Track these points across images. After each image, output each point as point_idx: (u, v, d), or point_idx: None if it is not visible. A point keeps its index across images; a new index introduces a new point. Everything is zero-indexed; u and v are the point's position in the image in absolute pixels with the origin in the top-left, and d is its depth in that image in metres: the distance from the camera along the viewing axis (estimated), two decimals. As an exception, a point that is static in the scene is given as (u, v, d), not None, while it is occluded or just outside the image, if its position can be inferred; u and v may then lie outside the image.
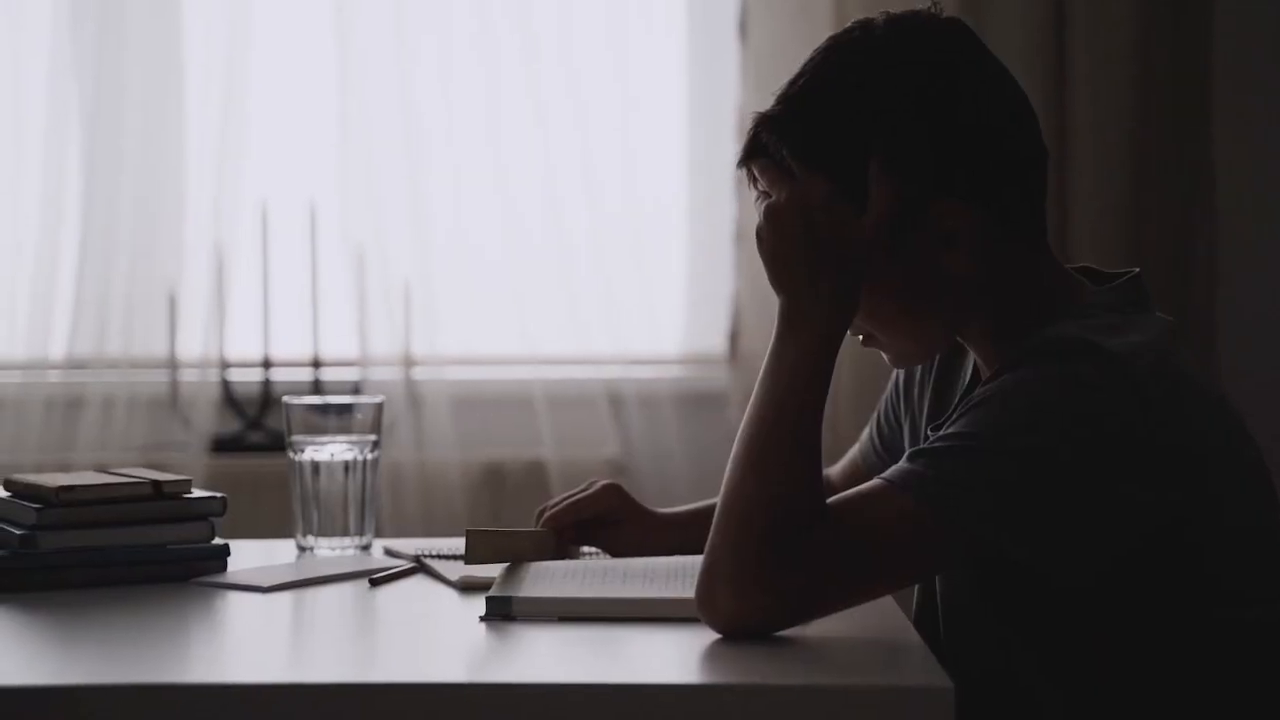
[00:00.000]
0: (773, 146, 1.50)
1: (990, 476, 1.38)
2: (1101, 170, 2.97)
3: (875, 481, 1.42)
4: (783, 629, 1.40)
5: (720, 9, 3.10)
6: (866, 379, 2.78)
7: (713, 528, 1.43)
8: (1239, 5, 3.06)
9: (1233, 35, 3.04)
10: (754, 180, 1.54)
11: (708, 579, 1.41)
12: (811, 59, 1.52)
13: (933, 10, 1.53)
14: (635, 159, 3.09)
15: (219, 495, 1.73)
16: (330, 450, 1.87)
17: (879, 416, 1.82)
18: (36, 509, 1.65)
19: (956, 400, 1.62)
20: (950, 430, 1.42)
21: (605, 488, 1.80)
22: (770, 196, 1.50)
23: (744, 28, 3.04)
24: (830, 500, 1.42)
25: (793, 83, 1.52)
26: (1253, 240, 3.08)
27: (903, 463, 1.42)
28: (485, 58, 3.06)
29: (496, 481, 3.04)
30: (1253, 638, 1.44)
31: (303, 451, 1.87)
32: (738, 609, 1.39)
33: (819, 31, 2.93)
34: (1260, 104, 3.10)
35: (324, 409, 1.88)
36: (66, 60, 3.03)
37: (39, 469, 2.88)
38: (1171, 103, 2.99)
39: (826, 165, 1.48)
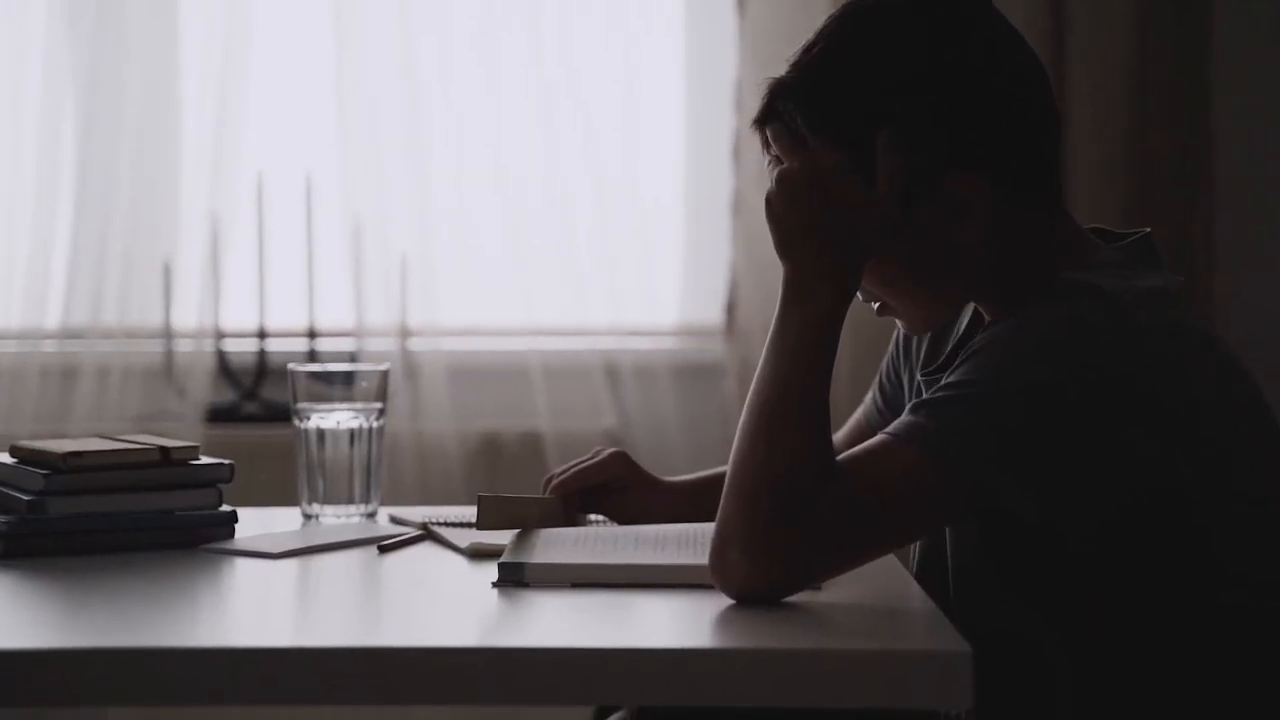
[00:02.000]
0: (787, 114, 1.50)
1: (992, 421, 1.39)
2: (1100, 166, 2.97)
3: (879, 437, 1.42)
4: (796, 592, 1.40)
5: (718, -20, 3.09)
6: (865, 346, 2.77)
7: (723, 497, 1.43)
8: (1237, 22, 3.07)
9: (1232, 28, 3.03)
10: (767, 145, 1.53)
11: (719, 547, 1.41)
12: (826, 26, 1.52)
13: None
14: (633, 131, 3.08)
15: (227, 462, 1.72)
16: (336, 418, 1.86)
17: (881, 376, 1.83)
18: (44, 475, 1.64)
19: (950, 347, 1.64)
20: (951, 379, 1.42)
21: (612, 455, 1.80)
22: (783, 162, 1.50)
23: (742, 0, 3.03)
24: (836, 459, 1.42)
25: (807, 50, 1.51)
26: (1252, 236, 3.08)
27: (905, 416, 1.42)
28: (485, 29, 3.05)
29: (493, 452, 3.04)
30: (1260, 621, 1.45)
31: (308, 419, 1.86)
32: (749, 575, 1.39)
33: (816, 4, 2.93)
34: (1260, 99, 3.09)
35: (329, 377, 1.88)
36: (63, 30, 3.01)
37: (34, 439, 2.87)
38: (1170, 98, 2.99)
39: (839, 136, 1.47)
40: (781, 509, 1.39)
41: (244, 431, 3.00)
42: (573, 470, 1.78)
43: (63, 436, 2.88)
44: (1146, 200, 2.97)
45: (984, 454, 1.38)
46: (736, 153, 3.04)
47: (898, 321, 1.59)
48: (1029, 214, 1.51)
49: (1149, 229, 1.56)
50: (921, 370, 1.67)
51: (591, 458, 1.80)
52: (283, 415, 2.97)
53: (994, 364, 1.41)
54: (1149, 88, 2.98)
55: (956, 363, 1.45)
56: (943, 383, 1.43)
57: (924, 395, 1.45)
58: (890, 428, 1.42)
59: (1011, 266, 1.51)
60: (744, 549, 1.39)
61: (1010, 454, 1.38)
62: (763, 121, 1.52)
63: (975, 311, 1.61)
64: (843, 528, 1.40)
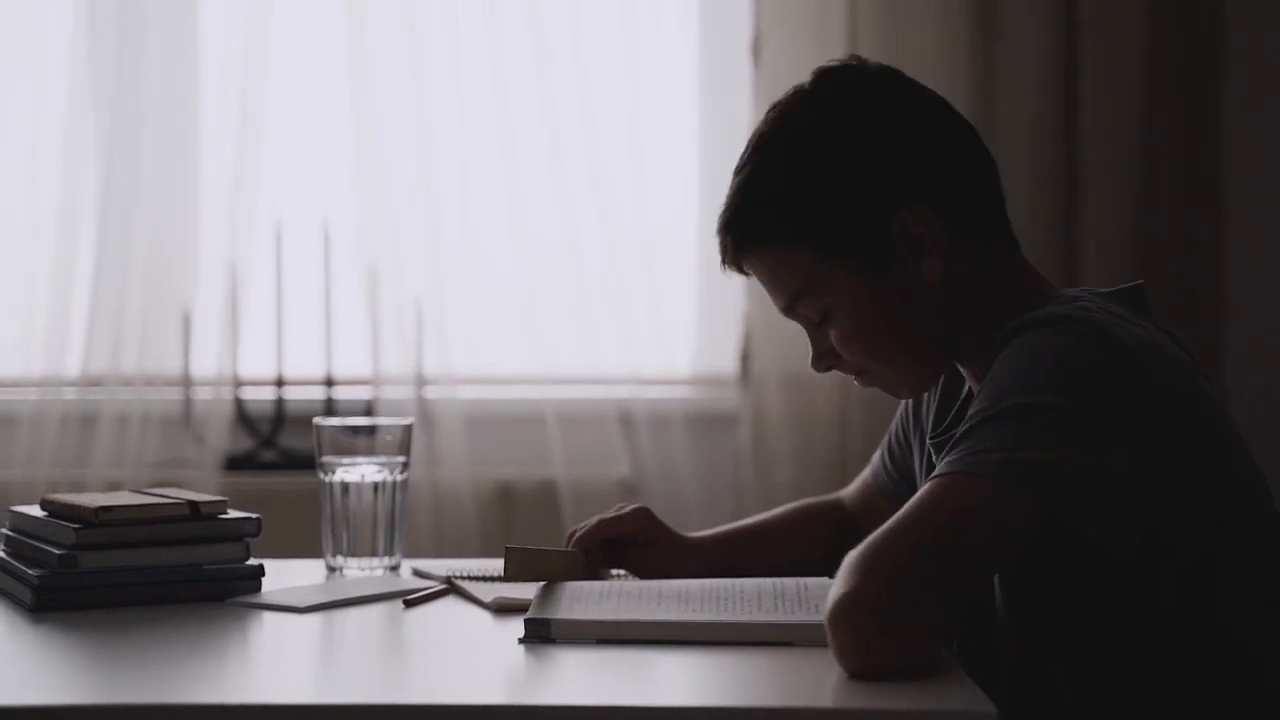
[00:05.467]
0: (747, 242, 1.62)
1: (1024, 431, 1.39)
2: (1111, 188, 3.00)
3: (922, 489, 1.41)
4: (918, 650, 1.36)
5: (733, 30, 3.12)
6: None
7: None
8: (1249, 16, 3.09)
9: (1242, 59, 3.07)
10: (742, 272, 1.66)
11: (832, 635, 1.37)
12: (749, 149, 1.64)
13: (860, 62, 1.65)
14: (647, 179, 3.11)
15: (254, 516, 1.73)
16: (361, 471, 1.88)
17: (890, 438, 1.86)
18: (75, 529, 1.66)
19: (955, 410, 1.68)
20: (970, 413, 1.44)
21: (635, 510, 1.82)
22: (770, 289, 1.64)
23: (756, 48, 3.06)
24: (885, 527, 1.38)
25: (739, 169, 1.64)
26: (1260, 256, 3.11)
27: (942, 462, 1.42)
28: (498, 76, 3.08)
29: (508, 500, 3.05)
30: (1263, 638, 1.48)
31: (333, 472, 1.88)
32: (855, 648, 1.35)
33: (831, 52, 2.96)
34: (1270, 130, 3.12)
35: (354, 430, 1.90)
36: (84, 80, 3.05)
37: (53, 485, 2.90)
38: (1180, 128, 3.03)
39: (803, 233, 1.58)
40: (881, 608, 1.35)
41: (261, 479, 3.02)
42: (596, 524, 1.80)
43: (81, 484, 2.92)
44: (1155, 224, 3.02)
45: (1026, 461, 1.38)
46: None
47: (883, 389, 1.63)
48: (991, 260, 1.58)
49: (1141, 281, 1.61)
50: (931, 435, 1.69)
51: (614, 512, 1.82)
52: (300, 463, 3.00)
53: (1006, 383, 1.43)
54: (1159, 101, 3.01)
55: (973, 403, 1.46)
56: (964, 420, 1.44)
57: (935, 460, 1.47)
58: (933, 475, 1.42)
59: (985, 314, 1.56)
60: (845, 626, 1.35)
61: (1049, 457, 1.38)
62: (736, 258, 1.64)
63: None
64: (920, 574, 1.36)
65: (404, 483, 1.89)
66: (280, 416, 3.09)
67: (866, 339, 1.58)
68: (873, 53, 3.00)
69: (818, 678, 1.37)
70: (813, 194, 1.57)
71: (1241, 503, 1.49)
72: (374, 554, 1.88)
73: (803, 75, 2.99)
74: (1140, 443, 1.41)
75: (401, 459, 1.89)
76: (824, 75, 1.63)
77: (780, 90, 3.01)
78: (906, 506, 1.40)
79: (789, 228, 1.58)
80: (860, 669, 1.34)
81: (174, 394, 3.06)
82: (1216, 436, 1.49)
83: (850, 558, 1.37)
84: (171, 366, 3.06)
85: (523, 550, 1.69)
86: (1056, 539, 1.39)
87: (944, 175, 1.57)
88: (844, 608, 1.34)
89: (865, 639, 1.34)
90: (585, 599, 1.58)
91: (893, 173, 1.56)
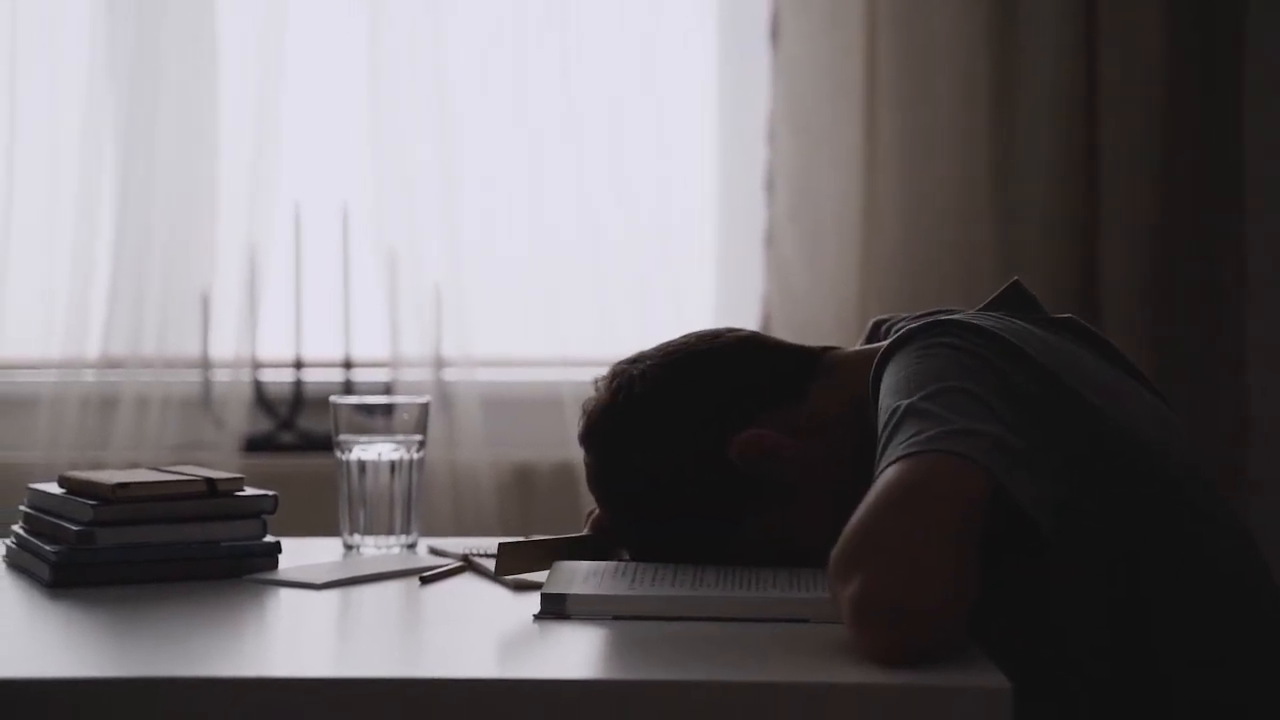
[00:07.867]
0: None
1: (936, 415, 1.40)
2: (1131, 176, 3.00)
3: (877, 483, 1.39)
4: (929, 627, 1.33)
5: (751, 12, 3.11)
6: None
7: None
8: (1270, 5, 3.08)
9: (1263, 46, 3.06)
10: None
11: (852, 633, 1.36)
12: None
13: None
14: (666, 162, 3.11)
15: (270, 493, 1.74)
16: (377, 450, 1.88)
17: None
18: (93, 505, 1.67)
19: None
20: (881, 426, 1.45)
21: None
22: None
23: (775, 31, 3.05)
24: (863, 515, 1.37)
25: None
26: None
27: (878, 467, 1.42)
28: (518, 61, 3.08)
29: (526, 482, 3.06)
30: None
31: (350, 451, 1.89)
32: (873, 640, 1.34)
33: (850, 36, 2.96)
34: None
35: (370, 409, 1.90)
36: (103, 62, 3.05)
37: (74, 467, 2.90)
38: (1200, 117, 3.02)
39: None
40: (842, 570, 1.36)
41: (280, 461, 3.03)
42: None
43: (101, 465, 2.93)
44: (1175, 194, 3.00)
45: (957, 440, 1.38)
46: (769, 185, 3.06)
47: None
48: (814, 401, 1.63)
49: (1016, 278, 1.65)
50: None
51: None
52: (318, 445, 3.01)
53: (898, 393, 1.45)
54: (1179, 89, 3.01)
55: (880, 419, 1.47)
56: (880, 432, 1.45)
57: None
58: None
59: (854, 435, 1.56)
60: (872, 623, 1.33)
61: (974, 433, 1.39)
62: None
63: None
64: (925, 552, 1.34)
65: (420, 461, 1.90)
66: (299, 398, 3.10)
67: (800, 536, 1.61)
68: (890, 36, 3.02)
69: (834, 653, 1.36)
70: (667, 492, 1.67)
71: (1159, 470, 1.51)
72: (391, 532, 1.89)
73: (821, 59, 3.05)
74: (1034, 413, 1.44)
75: (418, 437, 1.90)
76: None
77: (799, 74, 3.07)
78: (872, 494, 1.38)
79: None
80: (894, 661, 1.31)
81: (193, 376, 3.07)
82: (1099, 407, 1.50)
83: (844, 549, 1.35)
84: (191, 349, 3.07)
85: (514, 545, 1.67)
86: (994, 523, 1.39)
87: (733, 398, 1.65)
88: (861, 605, 1.32)
89: (892, 631, 1.32)
90: (600, 575, 1.58)
91: (697, 434, 1.65)
